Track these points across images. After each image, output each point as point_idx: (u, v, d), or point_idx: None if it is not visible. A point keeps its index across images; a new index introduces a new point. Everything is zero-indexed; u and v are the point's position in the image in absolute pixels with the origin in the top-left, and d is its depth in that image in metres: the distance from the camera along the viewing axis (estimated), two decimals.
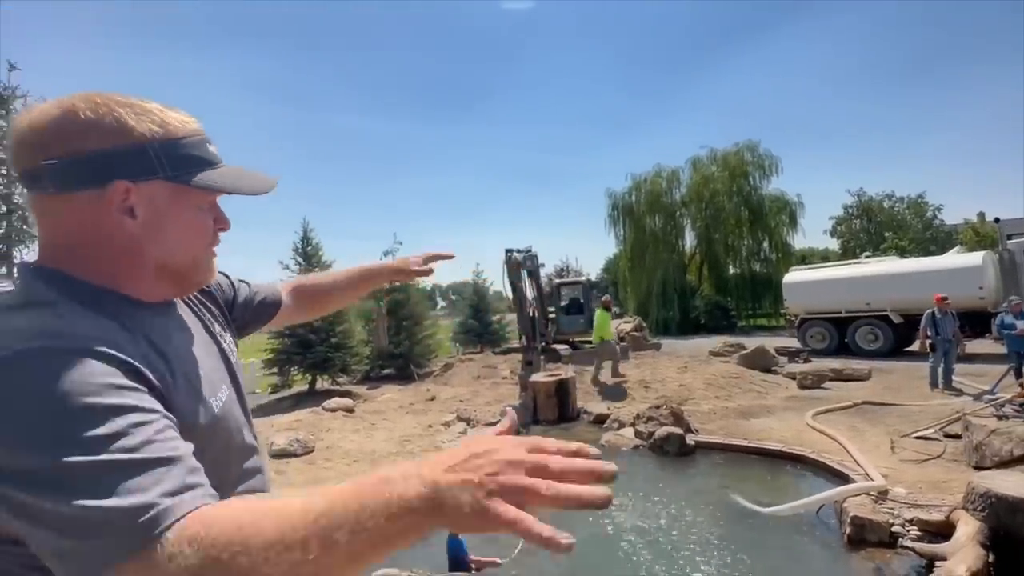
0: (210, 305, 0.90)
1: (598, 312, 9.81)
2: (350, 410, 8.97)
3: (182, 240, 0.69)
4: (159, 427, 0.51)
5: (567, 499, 0.42)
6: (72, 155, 0.59)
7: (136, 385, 0.54)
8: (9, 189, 8.03)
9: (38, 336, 0.52)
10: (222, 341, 0.85)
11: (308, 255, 13.12)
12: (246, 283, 1.06)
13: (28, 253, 8.44)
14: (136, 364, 0.56)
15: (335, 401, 9.28)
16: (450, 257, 1.32)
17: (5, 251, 8.06)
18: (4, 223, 8.08)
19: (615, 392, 8.74)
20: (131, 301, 0.68)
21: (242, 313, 1.02)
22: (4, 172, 8.01)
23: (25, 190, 0.63)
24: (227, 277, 1.03)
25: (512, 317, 12.91)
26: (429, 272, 1.29)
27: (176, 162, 0.65)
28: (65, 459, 0.45)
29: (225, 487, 0.70)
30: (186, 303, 0.83)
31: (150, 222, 0.65)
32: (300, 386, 12.58)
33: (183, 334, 0.75)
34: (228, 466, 0.74)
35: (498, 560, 3.31)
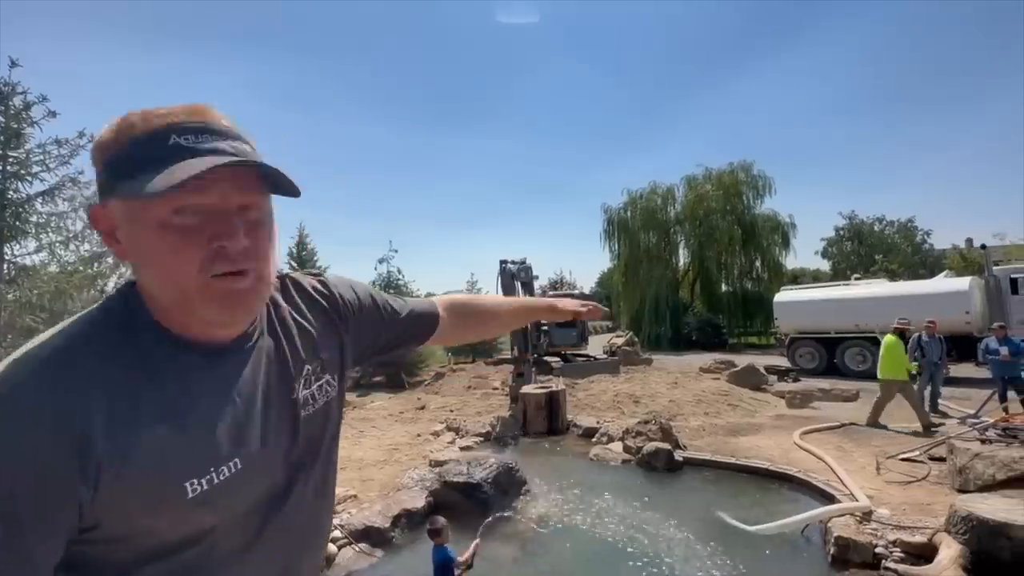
0: (296, 344, 0.73)
1: (888, 339, 7.06)
2: None
3: (154, 267, 0.55)
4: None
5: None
6: (97, 170, 0.56)
7: (30, 479, 0.48)
8: (3, 185, 7.94)
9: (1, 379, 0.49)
10: (280, 394, 0.69)
11: (303, 260, 13.13)
12: (390, 296, 0.94)
13: (19, 250, 8.32)
14: (70, 440, 0.49)
15: None
16: (599, 315, 1.29)
17: None
18: None
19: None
20: (172, 341, 0.58)
21: (386, 330, 0.90)
22: None
23: None
24: (354, 292, 0.86)
25: None
26: (581, 315, 1.25)
27: (128, 171, 0.52)
28: None
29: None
30: (273, 336, 0.70)
31: (126, 249, 0.56)
32: None
33: (215, 392, 0.61)
34: (218, 544, 0.61)
35: (478, 540, 3.49)
